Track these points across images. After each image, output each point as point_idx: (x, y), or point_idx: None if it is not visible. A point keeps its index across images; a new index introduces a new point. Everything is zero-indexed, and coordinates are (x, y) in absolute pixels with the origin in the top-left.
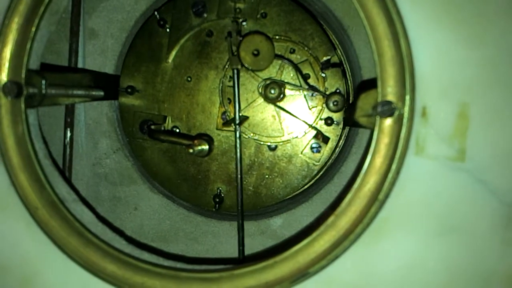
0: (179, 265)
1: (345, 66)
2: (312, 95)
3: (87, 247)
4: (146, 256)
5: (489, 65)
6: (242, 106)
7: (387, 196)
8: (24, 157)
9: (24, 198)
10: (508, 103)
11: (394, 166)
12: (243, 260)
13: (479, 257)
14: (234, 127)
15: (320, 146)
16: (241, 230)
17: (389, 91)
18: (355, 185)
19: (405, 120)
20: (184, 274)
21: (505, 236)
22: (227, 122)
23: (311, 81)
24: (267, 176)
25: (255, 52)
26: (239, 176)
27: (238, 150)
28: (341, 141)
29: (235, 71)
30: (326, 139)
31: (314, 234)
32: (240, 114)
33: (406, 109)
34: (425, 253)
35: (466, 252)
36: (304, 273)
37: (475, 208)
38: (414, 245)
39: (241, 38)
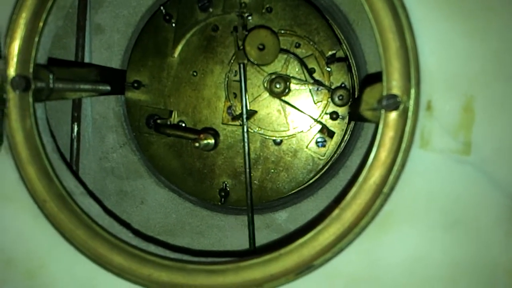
0: (185, 257)
1: (350, 60)
2: (317, 89)
3: (94, 239)
4: (152, 248)
5: (494, 58)
6: (248, 101)
7: (392, 189)
8: (33, 150)
9: (33, 191)
10: None
11: (399, 160)
12: (254, 252)
13: (484, 250)
14: (241, 121)
15: (325, 141)
16: (251, 223)
17: (394, 84)
18: (360, 178)
19: (410, 114)
20: (191, 266)
21: (510, 229)
22: (235, 117)
23: (316, 75)
24: (272, 170)
25: (261, 47)
26: (247, 170)
27: (246, 145)
28: (346, 136)
29: (242, 65)
30: (331, 134)
31: (319, 227)
32: (248, 109)
33: (411, 102)
34: (429, 246)
35: (471, 244)
36: (309, 266)
37: (479, 201)
38: (418, 238)
39: (247, 33)
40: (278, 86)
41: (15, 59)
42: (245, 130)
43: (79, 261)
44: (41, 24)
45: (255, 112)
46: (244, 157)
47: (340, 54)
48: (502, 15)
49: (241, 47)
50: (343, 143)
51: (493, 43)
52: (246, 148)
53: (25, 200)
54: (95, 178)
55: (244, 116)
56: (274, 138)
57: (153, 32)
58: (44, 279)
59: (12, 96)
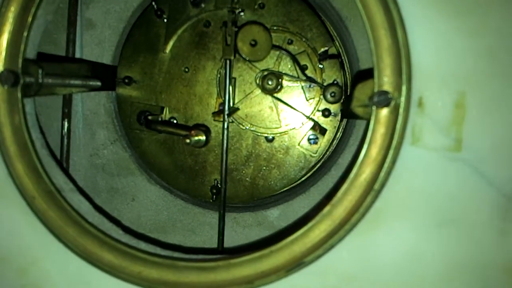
0: (176, 254)
1: (343, 57)
2: (309, 86)
3: (84, 236)
4: (143, 246)
5: (487, 55)
6: (240, 97)
7: (382, 186)
8: (21, 146)
9: (21, 188)
10: (506, 93)
11: (390, 156)
12: (222, 251)
13: (476, 248)
14: (223, 118)
15: (317, 138)
16: (222, 220)
17: (386, 81)
18: (351, 175)
19: (401, 110)
20: (182, 264)
21: (503, 226)
22: (217, 113)
23: (308, 72)
24: (264, 168)
25: (253, 43)
26: (224, 166)
27: (225, 141)
28: (338, 133)
29: (228, 61)
30: (323, 131)
31: (310, 224)
32: (232, 105)
33: (403, 99)
34: (421, 244)
35: (463, 242)
36: (299, 263)
37: (472, 198)
38: (410, 235)
39: (236, 29)
40: (270, 82)
41: (3, 54)
42: (226, 126)
43: (70, 258)
44: (30, 18)
45: (237, 109)
46: (222, 154)
47: (332, 51)
48: (497, 12)
49: (229, 43)
50: (335, 141)
51: (487, 39)
52: (225, 145)
53: (14, 197)
54: (86, 175)
55: (226, 113)
56: (266, 135)
57: (144, 28)
58: (36, 277)
59: (0, 91)
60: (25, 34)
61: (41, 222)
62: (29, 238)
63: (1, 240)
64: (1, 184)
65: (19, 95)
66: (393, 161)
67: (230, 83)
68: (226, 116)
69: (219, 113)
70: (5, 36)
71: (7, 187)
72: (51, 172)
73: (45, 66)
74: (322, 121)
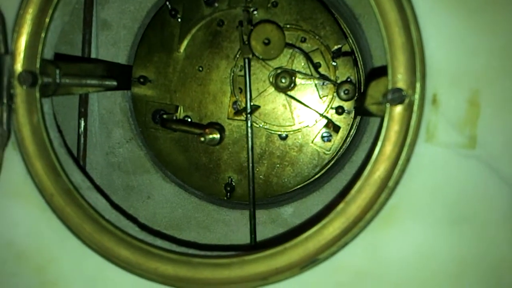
0: (191, 251)
1: (356, 55)
2: (323, 84)
3: (101, 233)
4: (159, 242)
5: (500, 52)
6: (253, 96)
7: (397, 183)
8: (40, 145)
9: (40, 186)
10: None
11: (404, 154)
12: (255, 247)
13: (490, 246)
14: (245, 116)
15: (331, 135)
16: (253, 218)
17: (400, 78)
18: (365, 172)
19: (415, 108)
20: (197, 260)
21: None
22: (238, 111)
23: (322, 70)
24: (277, 165)
25: (266, 41)
26: (250, 165)
27: (250, 140)
28: (352, 130)
29: (246, 60)
30: (337, 128)
31: (324, 221)
32: (252, 104)
33: (417, 96)
34: (435, 241)
35: (477, 240)
36: (313, 259)
37: (485, 196)
38: (424, 233)
39: (252, 27)
40: (283, 80)
41: (22, 55)
42: (249, 125)
43: (87, 255)
44: (47, 19)
45: (258, 107)
46: (248, 152)
47: (346, 48)
48: (510, 10)
49: (246, 42)
50: (349, 138)
51: (500, 37)
52: (250, 143)
53: (33, 195)
54: (102, 173)
55: (248, 111)
56: (279, 133)
57: (159, 28)
58: (53, 273)
59: (19, 91)
60: (42, 35)
61: (59, 219)
62: (47, 235)
63: (19, 237)
64: (21, 182)
65: (38, 95)
66: (407, 159)
67: (250, 82)
68: (248, 115)
69: (240, 112)
70: (24, 38)
71: (26, 185)
72: (69, 170)
73: (62, 67)
74: (336, 118)
